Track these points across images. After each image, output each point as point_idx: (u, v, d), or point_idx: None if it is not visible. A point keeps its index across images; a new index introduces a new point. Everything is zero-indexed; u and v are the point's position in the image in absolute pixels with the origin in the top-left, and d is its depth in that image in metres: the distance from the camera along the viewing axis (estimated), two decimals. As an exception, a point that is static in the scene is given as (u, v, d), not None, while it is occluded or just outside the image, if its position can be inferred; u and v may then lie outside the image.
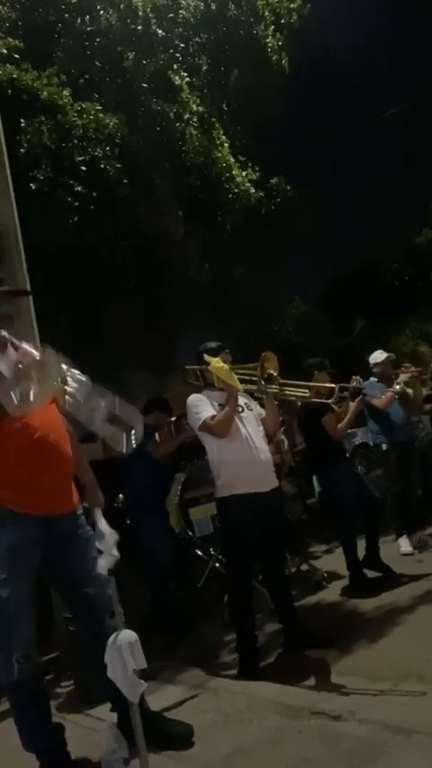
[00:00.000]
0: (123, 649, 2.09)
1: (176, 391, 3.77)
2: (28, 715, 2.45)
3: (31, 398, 2.06)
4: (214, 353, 3.69)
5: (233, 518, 3.58)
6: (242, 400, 3.69)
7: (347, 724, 2.49)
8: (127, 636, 2.12)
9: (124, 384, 7.53)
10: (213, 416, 3.53)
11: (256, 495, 3.50)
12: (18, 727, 2.46)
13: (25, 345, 2.25)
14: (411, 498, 5.69)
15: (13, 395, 2.03)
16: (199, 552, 5.24)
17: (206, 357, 3.66)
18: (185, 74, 8.58)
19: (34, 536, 2.42)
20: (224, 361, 3.66)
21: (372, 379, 5.63)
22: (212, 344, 3.81)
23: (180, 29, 8.60)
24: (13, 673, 2.35)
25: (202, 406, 3.60)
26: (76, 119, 7.05)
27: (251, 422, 3.66)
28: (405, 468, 5.46)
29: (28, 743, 2.45)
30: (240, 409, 3.63)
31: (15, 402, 2.04)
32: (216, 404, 3.59)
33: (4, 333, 2.35)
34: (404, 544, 5.31)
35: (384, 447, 5.41)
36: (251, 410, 3.74)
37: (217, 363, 3.56)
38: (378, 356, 5.80)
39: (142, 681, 2.11)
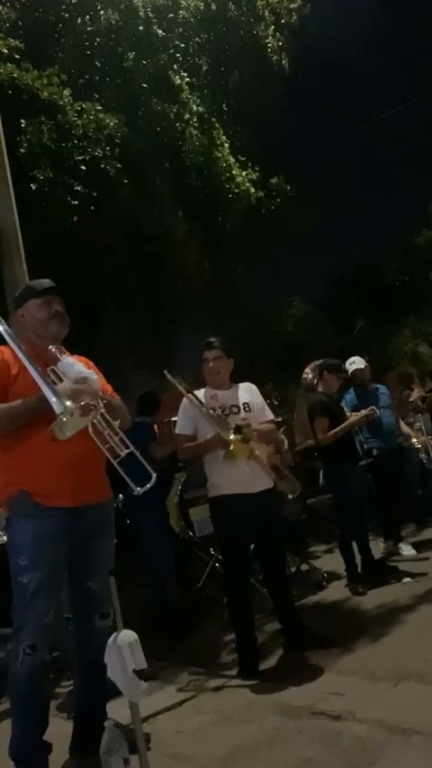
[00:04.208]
0: (123, 649, 2.09)
1: (176, 392, 3.74)
2: (23, 712, 2.42)
3: (67, 429, 2.22)
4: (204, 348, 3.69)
5: (222, 518, 3.58)
6: (243, 399, 3.65)
7: (347, 724, 2.50)
8: (127, 636, 2.12)
9: (124, 384, 7.54)
10: (186, 436, 3.56)
11: (245, 496, 3.45)
12: (12, 723, 2.44)
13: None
14: (410, 499, 5.72)
15: (59, 418, 2.17)
16: (199, 552, 5.24)
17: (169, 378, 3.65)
18: (185, 74, 8.60)
19: (61, 527, 2.42)
20: (207, 359, 3.65)
21: (351, 389, 5.50)
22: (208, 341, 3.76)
23: (180, 29, 8.62)
24: (17, 664, 2.35)
25: (182, 420, 3.63)
26: (76, 119, 7.06)
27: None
28: (396, 472, 5.45)
29: (14, 744, 2.39)
30: (236, 410, 3.58)
31: (57, 427, 2.19)
32: (200, 410, 3.52)
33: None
34: (405, 548, 5.32)
35: (375, 452, 5.38)
36: (248, 411, 3.63)
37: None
38: (357, 363, 5.60)
39: (142, 681, 2.11)
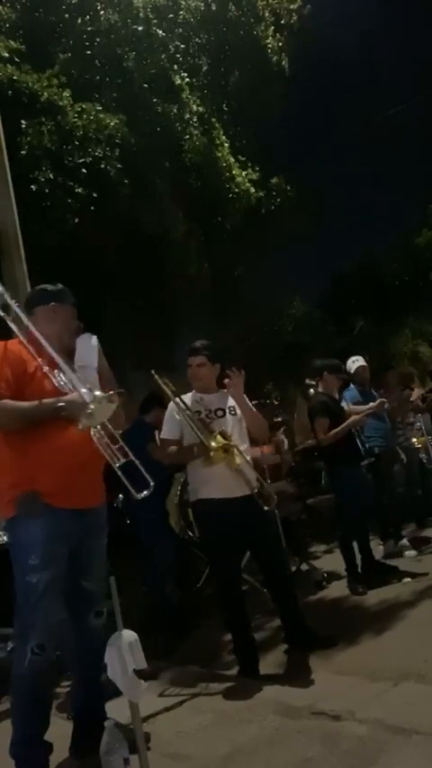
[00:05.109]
0: (123, 649, 2.09)
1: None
2: (26, 712, 2.41)
3: (98, 417, 2.29)
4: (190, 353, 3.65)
5: (204, 522, 3.57)
6: (230, 403, 3.57)
7: (347, 724, 2.49)
8: (127, 636, 2.13)
9: (124, 384, 7.53)
10: (171, 441, 3.50)
11: (225, 501, 3.38)
12: (13, 722, 2.43)
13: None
14: (410, 499, 5.72)
15: (87, 410, 2.25)
16: (199, 552, 5.24)
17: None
18: (185, 74, 8.61)
19: (68, 528, 2.44)
20: (190, 365, 3.60)
21: (351, 386, 5.48)
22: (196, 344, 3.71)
23: (180, 29, 8.64)
24: (24, 663, 2.33)
25: (168, 425, 3.55)
26: (76, 119, 7.07)
27: (229, 427, 3.49)
28: (395, 471, 5.48)
29: (15, 743, 2.39)
30: (221, 413, 3.52)
31: (84, 420, 2.27)
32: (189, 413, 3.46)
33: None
34: (405, 547, 5.32)
35: (376, 451, 5.38)
36: (234, 414, 3.56)
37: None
38: (360, 361, 5.63)
39: (142, 681, 2.11)
